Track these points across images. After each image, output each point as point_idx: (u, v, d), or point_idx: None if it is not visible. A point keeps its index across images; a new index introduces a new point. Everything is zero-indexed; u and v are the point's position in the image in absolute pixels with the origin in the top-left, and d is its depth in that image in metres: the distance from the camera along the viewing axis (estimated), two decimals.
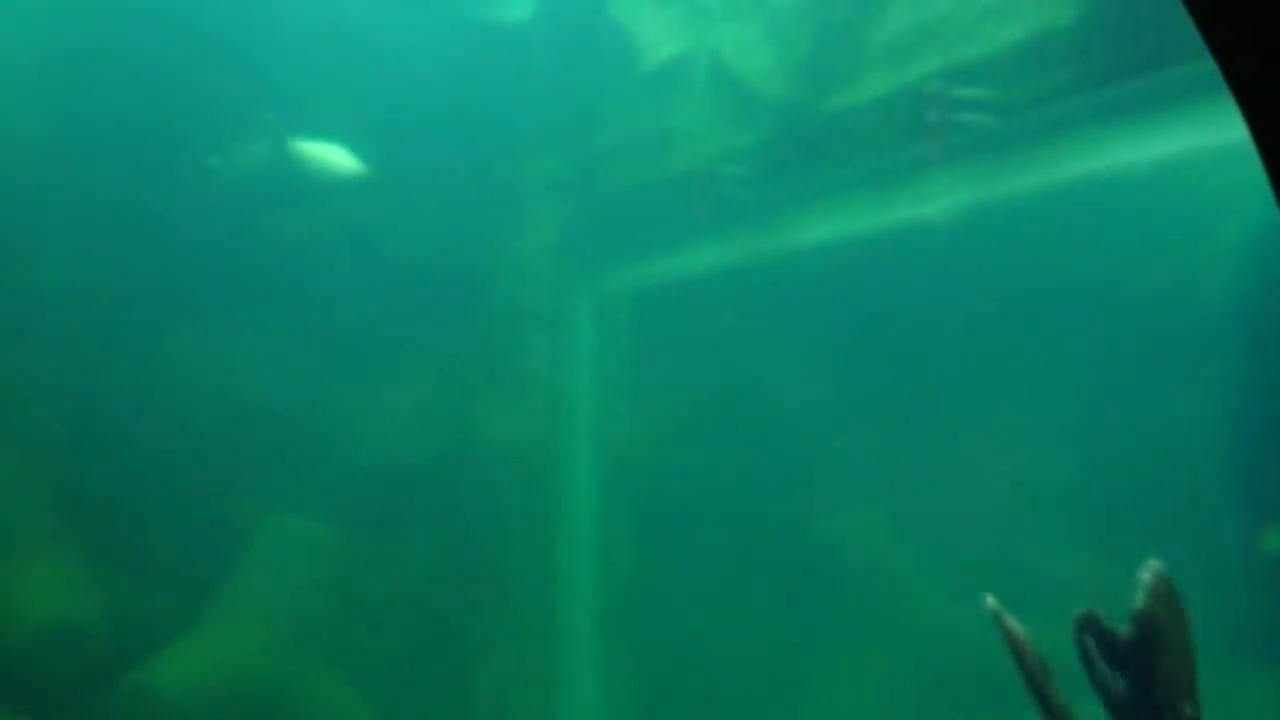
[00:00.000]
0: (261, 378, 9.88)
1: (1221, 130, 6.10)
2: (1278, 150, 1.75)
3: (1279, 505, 8.53)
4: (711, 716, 10.34)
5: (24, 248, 9.17)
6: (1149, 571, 3.10)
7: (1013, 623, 3.17)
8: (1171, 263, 8.45)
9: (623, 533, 10.48)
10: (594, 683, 10.24)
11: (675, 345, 10.32)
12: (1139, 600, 3.06)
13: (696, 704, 10.37)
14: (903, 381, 10.33)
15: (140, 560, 9.38)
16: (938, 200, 7.38)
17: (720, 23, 8.43)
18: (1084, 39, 6.08)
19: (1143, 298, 9.65)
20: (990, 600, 3.19)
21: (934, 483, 10.44)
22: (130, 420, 9.46)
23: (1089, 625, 3.12)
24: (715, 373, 10.48)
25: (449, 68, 9.58)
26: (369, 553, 9.87)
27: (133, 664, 8.67)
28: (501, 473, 10.17)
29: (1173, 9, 5.49)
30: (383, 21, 9.43)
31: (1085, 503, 10.31)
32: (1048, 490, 10.45)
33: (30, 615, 8.61)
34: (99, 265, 9.35)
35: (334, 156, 9.49)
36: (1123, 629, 3.09)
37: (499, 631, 10.11)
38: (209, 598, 9.31)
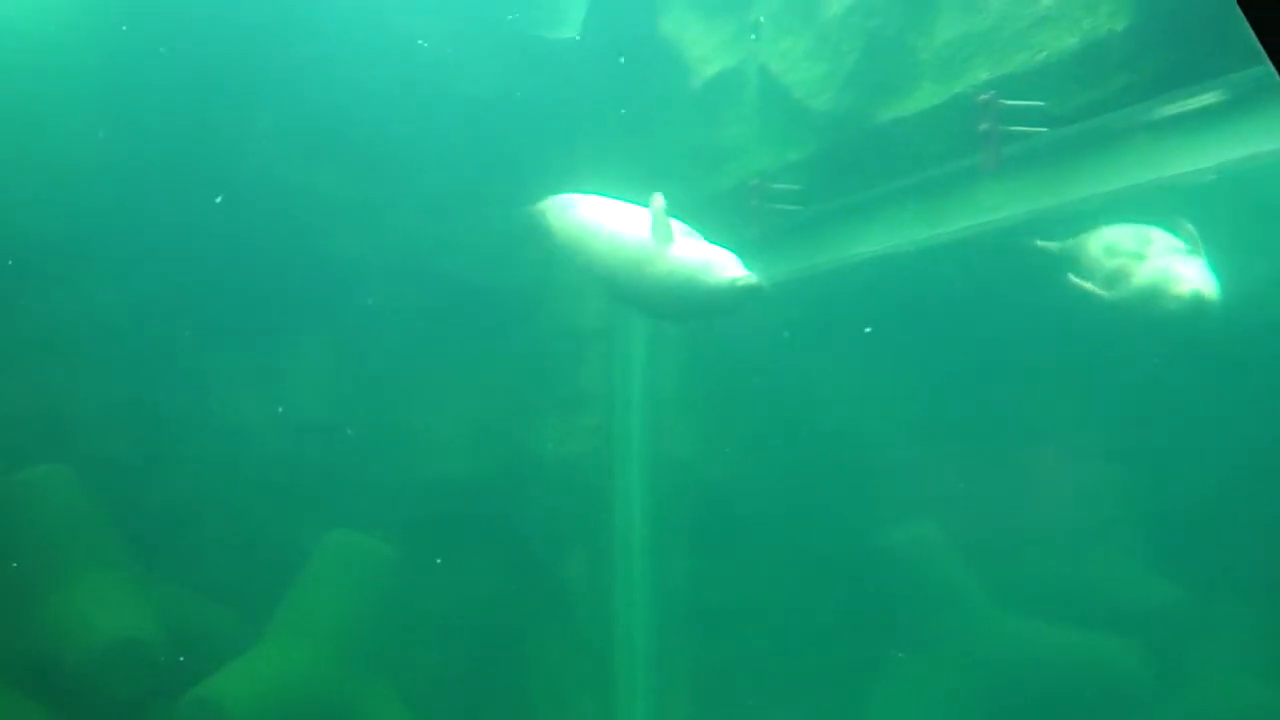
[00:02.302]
0: (318, 395, 9.97)
1: None
2: None
3: None
4: None
5: (82, 267, 9.32)
6: None
7: None
8: (1235, 275, 8.29)
9: (678, 548, 10.45)
10: (649, 699, 10.21)
11: (729, 360, 10.28)
12: None
13: None
14: (959, 395, 10.22)
15: (199, 577, 9.49)
16: (992, 212, 7.28)
17: (769, 36, 8.40)
18: (1138, 46, 5.97)
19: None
20: None
21: (994, 498, 10.31)
22: (188, 438, 9.59)
23: None
24: (769, 387, 10.43)
25: (499, 85, 9.62)
26: (426, 569, 9.91)
27: (193, 680, 8.75)
28: (557, 489, 10.18)
29: (1227, 14, 5.38)
30: (431, 39, 9.48)
31: (1149, 518, 10.14)
32: (1111, 505, 10.29)
33: (91, 631, 8.72)
34: (156, 284, 9.48)
35: (728, 265, 7.58)
36: None
37: (555, 647, 10.11)
38: (268, 615, 9.39)
